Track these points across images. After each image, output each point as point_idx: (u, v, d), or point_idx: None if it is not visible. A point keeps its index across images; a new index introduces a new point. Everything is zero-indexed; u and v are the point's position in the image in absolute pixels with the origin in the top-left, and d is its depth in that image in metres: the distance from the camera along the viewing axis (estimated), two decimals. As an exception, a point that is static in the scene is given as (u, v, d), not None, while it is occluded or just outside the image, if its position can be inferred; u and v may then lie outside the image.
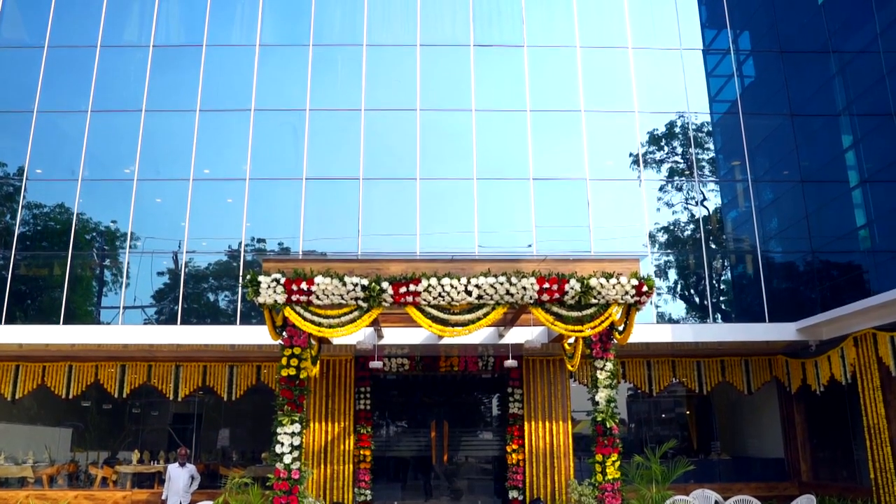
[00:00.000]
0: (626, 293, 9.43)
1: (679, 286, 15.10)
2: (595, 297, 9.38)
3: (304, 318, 9.21)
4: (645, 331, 13.12)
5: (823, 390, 13.41)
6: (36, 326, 13.46)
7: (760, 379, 14.92)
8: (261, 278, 9.20)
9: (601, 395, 9.89)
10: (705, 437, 17.18)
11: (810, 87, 16.10)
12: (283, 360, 9.61)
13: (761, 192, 15.33)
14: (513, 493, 13.98)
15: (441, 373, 14.70)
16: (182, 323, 13.87)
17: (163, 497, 12.61)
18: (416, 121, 15.11)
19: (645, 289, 9.42)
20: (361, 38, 15.67)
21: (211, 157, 14.92)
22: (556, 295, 9.33)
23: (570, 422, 14.22)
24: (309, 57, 15.43)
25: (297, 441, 9.38)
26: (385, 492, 14.63)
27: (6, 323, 13.70)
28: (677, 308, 15.00)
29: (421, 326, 9.45)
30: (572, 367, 11.38)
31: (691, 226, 15.17)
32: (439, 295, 9.21)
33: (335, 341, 12.44)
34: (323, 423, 13.88)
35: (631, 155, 15.37)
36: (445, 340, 12.57)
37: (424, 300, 9.24)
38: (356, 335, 12.12)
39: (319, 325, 9.20)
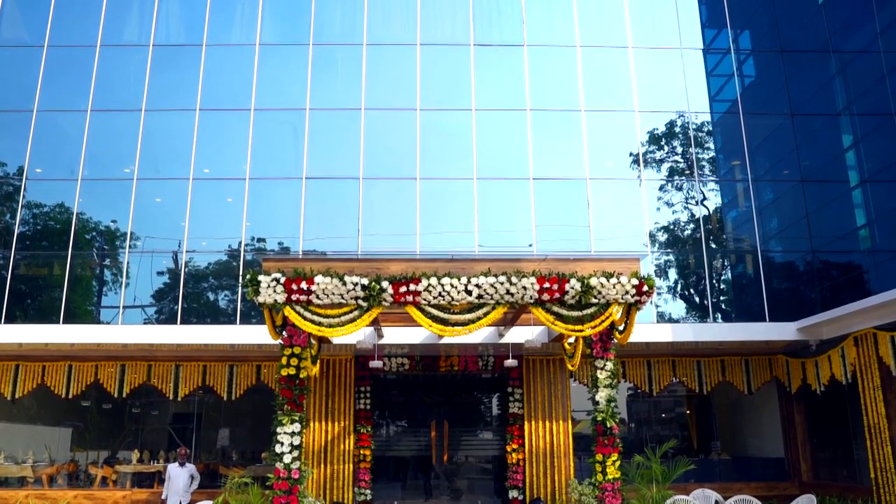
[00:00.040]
0: (627, 293, 9.42)
1: (679, 286, 15.09)
2: (595, 297, 9.37)
3: (304, 318, 9.20)
4: (645, 330, 13.11)
5: (824, 390, 13.40)
6: (36, 326, 13.45)
7: (760, 378, 14.92)
8: (261, 278, 9.19)
9: (601, 395, 9.89)
10: (705, 437, 17.18)
11: (810, 87, 16.09)
12: (283, 360, 9.60)
13: (761, 191, 15.32)
14: (513, 493, 13.97)
15: (441, 372, 14.70)
16: (182, 322, 13.87)
17: (162, 497, 12.61)
18: (416, 120, 15.10)
19: (645, 288, 9.41)
20: (361, 37, 15.66)
21: (211, 156, 14.91)
22: (557, 294, 9.32)
23: (570, 421, 14.22)
24: (309, 56, 15.42)
25: (296, 441, 9.37)
26: (385, 491, 14.62)
27: (6, 322, 13.69)
28: (677, 308, 15.00)
29: (421, 326, 9.45)
30: (572, 366, 11.37)
31: (691, 225, 15.17)
32: (439, 294, 9.21)
33: (335, 341, 12.44)
34: (323, 423, 13.87)
35: (631, 154, 15.36)
36: (445, 340, 12.56)
37: (424, 300, 9.23)
38: (356, 335, 12.11)
39: (319, 324, 9.19)
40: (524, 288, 9.27)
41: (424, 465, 15.34)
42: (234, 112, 15.06)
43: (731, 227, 15.59)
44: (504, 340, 12.91)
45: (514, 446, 14.12)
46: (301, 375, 9.58)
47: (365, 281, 9.14)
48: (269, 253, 14.50)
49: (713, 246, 15.15)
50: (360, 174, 14.75)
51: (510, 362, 12.10)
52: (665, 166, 15.54)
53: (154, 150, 14.87)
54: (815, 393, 13.68)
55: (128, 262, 14.36)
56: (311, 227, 14.51)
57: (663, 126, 15.65)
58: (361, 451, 13.98)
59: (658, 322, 14.28)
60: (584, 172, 14.93)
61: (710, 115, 15.96)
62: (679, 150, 15.62)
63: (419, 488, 15.20)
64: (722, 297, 15.04)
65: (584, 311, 9.42)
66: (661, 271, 14.97)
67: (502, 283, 9.24)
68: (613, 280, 9.37)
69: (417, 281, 9.17)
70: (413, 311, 9.31)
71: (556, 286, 9.29)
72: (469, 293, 9.24)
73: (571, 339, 11.42)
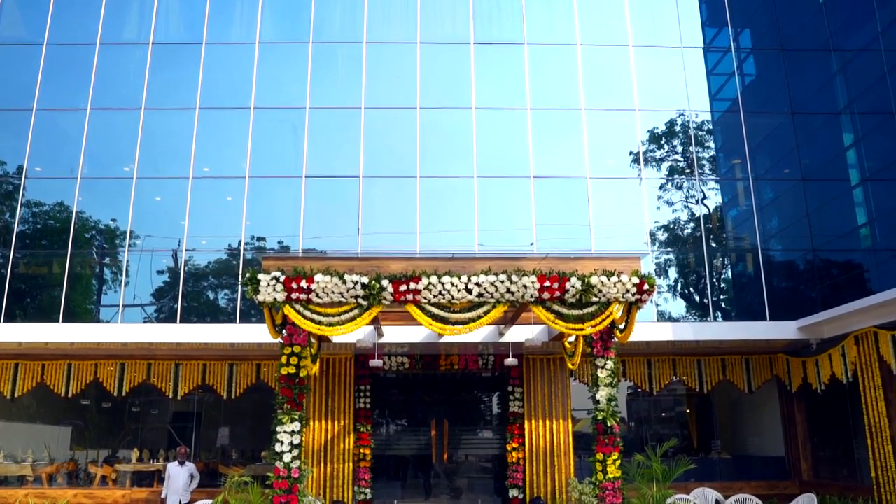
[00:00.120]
0: (627, 291, 9.40)
1: (679, 284, 15.07)
2: (596, 296, 9.35)
3: (304, 317, 9.18)
4: (645, 329, 13.09)
5: (824, 389, 13.39)
6: (35, 325, 13.44)
7: (761, 377, 14.90)
8: (260, 276, 9.17)
9: (602, 394, 9.87)
10: (706, 436, 17.16)
11: (811, 86, 16.07)
12: (283, 359, 9.58)
13: (762, 190, 15.30)
14: (513, 492, 13.96)
15: (441, 371, 14.68)
16: (182, 321, 13.85)
17: (162, 496, 12.59)
18: (417, 119, 15.08)
19: (646, 287, 9.39)
20: (361, 35, 15.63)
21: (210, 155, 14.89)
22: (557, 293, 9.31)
23: (570, 420, 14.20)
24: (309, 54, 15.40)
25: (296, 439, 9.35)
26: (385, 490, 14.61)
27: (6, 321, 13.67)
28: (678, 306, 14.99)
29: (421, 325, 9.43)
30: (573, 365, 11.36)
31: (692, 224, 15.15)
32: (439, 293, 9.19)
33: (335, 339, 12.42)
34: (323, 422, 13.86)
35: (631, 153, 15.34)
36: (445, 339, 12.54)
37: (424, 298, 9.22)
38: (356, 333, 12.09)
39: (319, 323, 9.17)
40: (524, 286, 9.25)
41: (424, 463, 15.33)
42: (233, 110, 15.04)
43: (731, 226, 15.57)
44: (504, 339, 12.89)
45: (515, 445, 14.10)
46: (301, 374, 9.57)
47: (365, 280, 9.12)
48: (268, 251, 14.48)
49: (713, 245, 15.14)
50: (360, 172, 14.73)
51: (510, 361, 12.08)
52: (665, 165, 15.52)
53: (154, 149, 14.84)
54: (815, 392, 13.66)
55: (127, 261, 14.34)
56: (311, 225, 14.49)
57: (664, 125, 15.63)
58: (361, 450, 13.97)
59: (658, 321, 14.27)
60: (584, 171, 14.91)
61: (711, 113, 15.94)
62: (679, 148, 15.60)
63: (419, 487, 15.19)
64: (722, 296, 15.03)
65: (585, 310, 9.40)
66: (662, 270, 14.95)
67: (503, 282, 9.22)
68: (614, 279, 9.35)
69: (417, 280, 9.15)
70: (413, 310, 9.29)
71: (556, 285, 9.27)
72: (469, 292, 9.22)
73: (572, 338, 11.40)
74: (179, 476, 12.38)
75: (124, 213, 14.48)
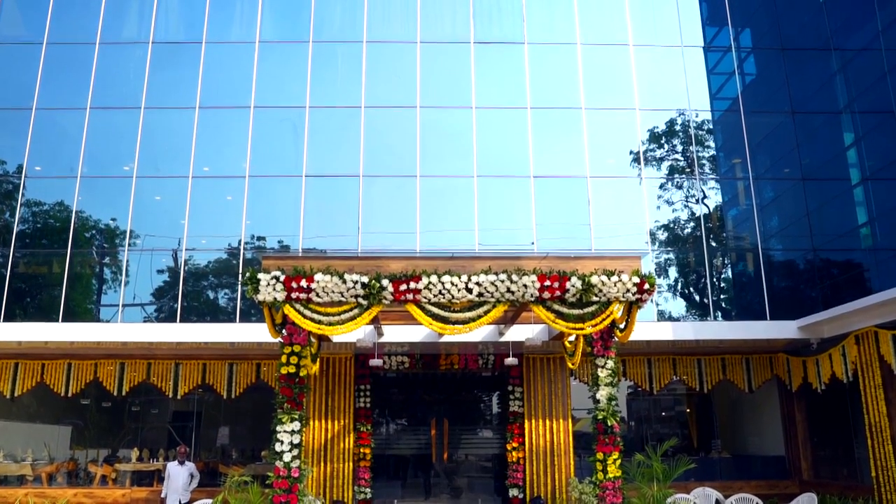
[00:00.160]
0: (628, 291, 9.39)
1: (680, 284, 15.07)
2: (596, 295, 9.34)
3: (304, 316, 9.17)
4: (646, 329, 13.08)
5: (825, 388, 13.38)
6: (35, 324, 13.44)
7: (761, 377, 14.90)
8: (260, 276, 9.16)
9: (602, 393, 9.86)
10: (706, 436, 17.16)
11: (812, 85, 16.06)
12: (283, 358, 9.57)
13: (762, 189, 15.29)
14: (513, 492, 13.95)
15: (441, 371, 14.67)
16: (181, 321, 13.84)
17: (162, 495, 12.59)
18: (417, 118, 15.07)
19: (646, 286, 9.38)
20: (361, 34, 15.62)
21: (210, 154, 14.88)
22: (557, 293, 9.30)
23: (570, 420, 14.19)
24: (309, 53, 15.38)
25: (296, 439, 9.35)
26: (385, 490, 14.61)
27: (5, 320, 13.67)
28: (678, 306, 14.98)
29: (421, 324, 9.41)
30: (573, 364, 11.35)
31: (692, 224, 15.14)
32: (440, 292, 9.18)
33: (335, 339, 12.41)
34: (323, 421, 13.85)
35: (631, 152, 15.33)
36: (446, 338, 12.54)
37: (425, 298, 9.21)
38: (356, 333, 12.09)
39: (319, 322, 9.16)
40: (525, 286, 9.25)
41: (424, 463, 15.33)
42: (233, 109, 15.03)
43: (731, 226, 15.56)
44: (504, 339, 12.89)
45: (515, 445, 14.09)
46: (301, 374, 9.56)
47: (365, 279, 9.11)
48: (268, 251, 14.47)
49: (714, 244, 15.13)
50: (360, 172, 14.72)
51: (510, 360, 12.07)
52: (665, 164, 15.51)
53: (153, 148, 14.83)
54: (815, 391, 13.66)
55: (127, 261, 14.33)
56: (311, 225, 14.48)
57: (664, 124, 15.62)
58: (361, 450, 13.96)
59: (659, 320, 14.26)
60: (584, 170, 14.90)
61: (711, 113, 15.92)
62: (679, 148, 15.59)
63: (419, 486, 15.19)
64: (722, 296, 15.02)
65: (585, 310, 9.39)
66: (662, 270, 14.95)
67: (503, 281, 9.22)
68: (614, 278, 9.34)
69: (418, 279, 9.14)
70: (413, 310, 9.28)
71: (556, 284, 9.27)
72: (469, 291, 9.21)
73: (572, 338, 11.39)
74: (179, 475, 12.37)
75: (124, 212, 14.46)
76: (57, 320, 13.72)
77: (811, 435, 14.60)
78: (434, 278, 9.15)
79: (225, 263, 14.49)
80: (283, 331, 9.62)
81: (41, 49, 15.28)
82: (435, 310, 9.29)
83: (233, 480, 11.29)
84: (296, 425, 9.35)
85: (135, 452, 14.66)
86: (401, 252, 13.65)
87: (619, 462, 9.69)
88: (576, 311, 9.39)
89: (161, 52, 15.41)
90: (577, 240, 14.45)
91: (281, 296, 9.14)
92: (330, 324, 9.18)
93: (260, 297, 9.18)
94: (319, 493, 13.39)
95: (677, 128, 15.62)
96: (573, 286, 9.28)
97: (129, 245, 14.36)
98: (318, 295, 9.14)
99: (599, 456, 9.70)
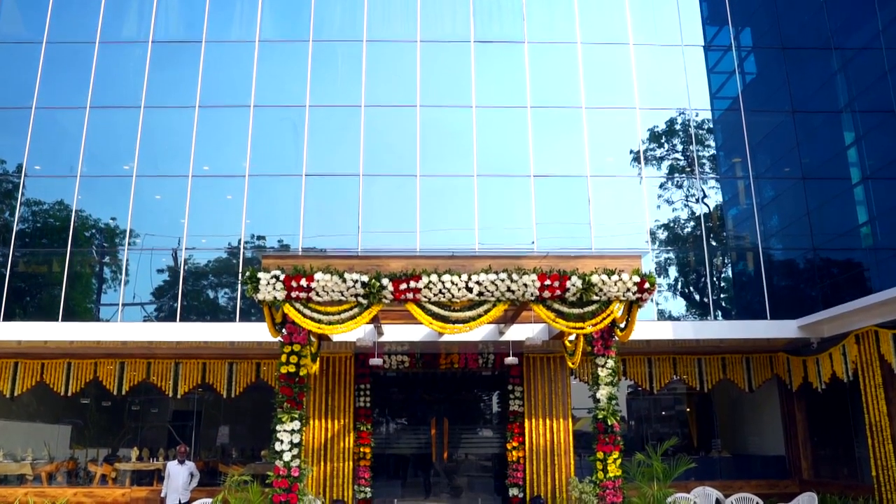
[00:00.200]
0: (628, 290, 9.38)
1: (680, 283, 15.06)
2: (596, 294, 9.33)
3: (304, 315, 9.16)
4: (646, 328, 13.07)
5: (825, 388, 13.37)
6: (35, 323, 13.42)
7: (761, 376, 14.89)
8: (260, 275, 9.16)
9: (602, 393, 9.85)
10: (706, 435, 17.16)
11: (812, 84, 16.05)
12: (283, 357, 9.56)
13: (762, 189, 15.28)
14: (513, 491, 13.94)
15: (441, 370, 14.66)
16: (181, 320, 13.83)
17: (162, 494, 12.58)
18: (417, 117, 15.06)
19: (647, 286, 9.37)
20: (361, 33, 15.61)
21: (210, 153, 14.87)
22: (558, 292, 9.29)
23: (570, 419, 14.18)
24: (309, 53, 15.37)
25: (296, 438, 9.34)
26: (385, 489, 14.60)
27: (5, 320, 13.66)
28: (678, 305, 14.97)
29: (421, 323, 9.41)
30: (573, 364, 11.34)
31: (692, 223, 15.13)
32: (440, 292, 9.17)
33: (335, 338, 12.40)
34: (323, 421, 13.84)
35: (632, 152, 15.32)
36: (446, 337, 12.53)
37: (425, 297, 9.20)
38: (356, 332, 12.07)
39: (319, 321, 9.15)
40: (525, 285, 9.24)
41: (424, 462, 15.32)
42: (233, 109, 15.02)
43: (731, 225, 15.55)
44: (504, 338, 12.87)
45: (515, 444, 14.09)
46: (301, 373, 9.55)
47: (365, 278, 9.11)
48: (268, 250, 14.46)
49: (714, 243, 15.12)
50: (360, 171, 14.71)
51: (510, 360, 12.06)
52: (666, 164, 15.50)
53: (153, 147, 14.82)
54: (816, 391, 13.65)
55: (127, 260, 14.32)
56: (311, 224, 14.47)
57: (664, 123, 15.61)
58: (361, 449, 13.95)
59: (659, 320, 14.25)
60: (584, 169, 14.89)
61: (711, 112, 15.91)
62: (680, 147, 15.58)
63: (419, 486, 15.18)
64: (723, 295, 15.01)
65: (586, 309, 9.38)
66: (662, 269, 14.94)
67: (503, 281, 9.21)
68: (615, 277, 9.33)
69: (418, 278, 9.13)
70: (413, 309, 9.27)
71: (557, 283, 9.26)
72: (470, 290, 9.21)
73: (572, 337, 11.39)
74: (179, 475, 12.36)
75: (124, 211, 14.46)
76: (57, 320, 13.70)
77: (811, 434, 14.60)
78: (434, 277, 9.14)
79: (225, 262, 14.48)
80: (283, 330, 9.61)
81: (41, 48, 15.27)
82: (435, 309, 9.28)
83: (233, 480, 11.29)
84: (296, 424, 9.34)
85: (135, 452, 14.66)
86: (401, 251, 13.63)
87: (619, 461, 9.68)
88: (576, 311, 9.38)
89: (161, 51, 15.40)
90: (578, 239, 14.44)
91: (281, 295, 9.13)
92: (330, 323, 9.17)
93: (260, 297, 9.17)
94: (319, 492, 13.38)
95: (677, 127, 15.61)
96: (573, 285, 9.27)
97: (129, 244, 14.35)
98: (317, 294, 9.13)
99: (600, 455, 9.69)
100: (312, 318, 9.15)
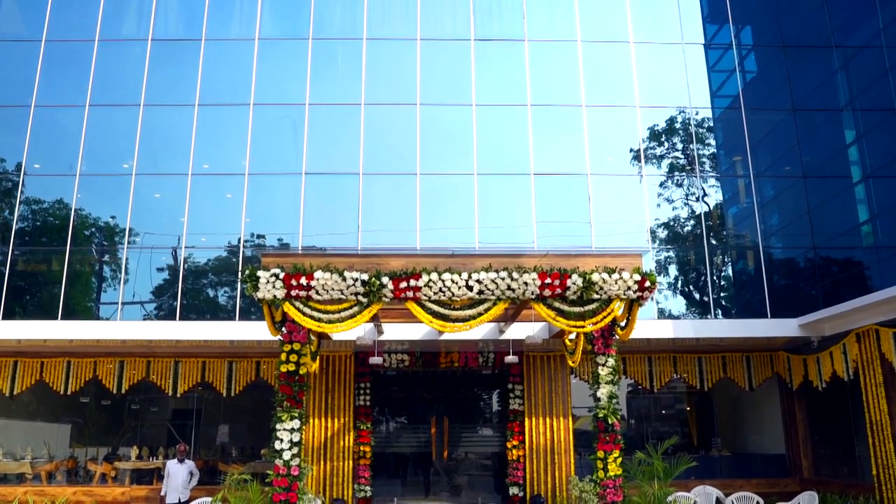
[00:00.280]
0: (629, 288, 9.36)
1: (680, 282, 15.04)
2: (597, 293, 9.31)
3: (304, 314, 9.14)
4: (646, 326, 13.04)
5: (825, 386, 13.36)
6: (34, 322, 13.41)
7: (762, 375, 14.88)
8: (260, 273, 9.14)
9: (602, 391, 9.83)
10: (706, 434, 17.15)
11: (813, 83, 16.03)
12: (283, 356, 9.54)
13: (763, 187, 15.26)
14: (513, 490, 13.93)
15: (441, 369, 14.64)
16: (181, 319, 13.82)
17: (162, 493, 12.56)
18: (417, 115, 15.03)
19: (647, 284, 9.35)
20: (361, 31, 15.58)
21: (210, 151, 14.85)
22: (558, 290, 9.27)
23: (570, 418, 14.17)
24: (308, 51, 15.34)
25: (296, 437, 9.32)
26: (385, 488, 14.59)
27: (5, 318, 13.64)
28: (678, 304, 14.95)
29: (421, 322, 9.38)
30: (573, 362, 11.32)
31: (692, 221, 15.11)
32: (440, 290, 9.15)
33: (335, 337, 12.37)
34: (322, 420, 13.82)
35: (632, 150, 15.30)
36: (446, 336, 12.51)
37: (425, 295, 9.17)
38: (356, 331, 12.02)
39: (319, 320, 9.13)
40: (525, 283, 9.22)
41: (424, 461, 15.30)
42: (233, 107, 14.99)
43: (732, 224, 15.53)
44: (504, 336, 12.85)
45: (515, 443, 14.07)
46: (300, 372, 9.53)
47: (365, 276, 9.08)
48: (268, 249, 14.44)
49: (714, 242, 15.10)
50: (360, 169, 14.69)
51: (511, 358, 12.04)
52: (666, 162, 15.48)
53: (153, 146, 14.80)
54: (816, 389, 13.64)
55: (126, 258, 14.30)
56: (311, 222, 14.45)
57: (664, 122, 15.59)
58: (361, 448, 13.93)
59: (659, 318, 14.23)
60: (585, 168, 14.87)
61: (712, 110, 15.89)
62: (680, 145, 15.56)
63: (419, 485, 15.17)
64: (723, 294, 14.99)
65: (586, 307, 9.37)
66: (662, 267, 14.92)
67: (503, 279, 9.18)
68: (615, 276, 9.31)
69: (418, 276, 9.11)
70: (413, 307, 9.25)
71: (557, 282, 9.23)
72: (470, 289, 9.19)
73: (572, 336, 11.37)
74: (179, 473, 12.34)
75: (123, 210, 14.43)
76: (56, 318, 13.69)
77: (812, 433, 14.59)
78: (434, 276, 9.12)
79: (224, 261, 14.46)
80: (283, 328, 9.59)
81: (40, 46, 15.24)
82: (435, 307, 9.25)
83: (232, 478, 11.27)
84: (295, 423, 9.33)
85: (134, 450, 14.65)
86: (401, 250, 13.61)
87: (619, 460, 9.67)
88: (576, 309, 9.36)
89: (160, 49, 15.38)
90: (578, 237, 14.42)
91: (280, 293, 9.11)
92: (330, 321, 9.15)
93: (259, 295, 9.15)
94: (319, 491, 13.37)
95: (678, 125, 15.59)
96: (574, 284, 9.25)
97: (129, 243, 14.33)
98: (317, 292, 9.11)
99: (600, 454, 9.67)
100: (312, 317, 9.13)
